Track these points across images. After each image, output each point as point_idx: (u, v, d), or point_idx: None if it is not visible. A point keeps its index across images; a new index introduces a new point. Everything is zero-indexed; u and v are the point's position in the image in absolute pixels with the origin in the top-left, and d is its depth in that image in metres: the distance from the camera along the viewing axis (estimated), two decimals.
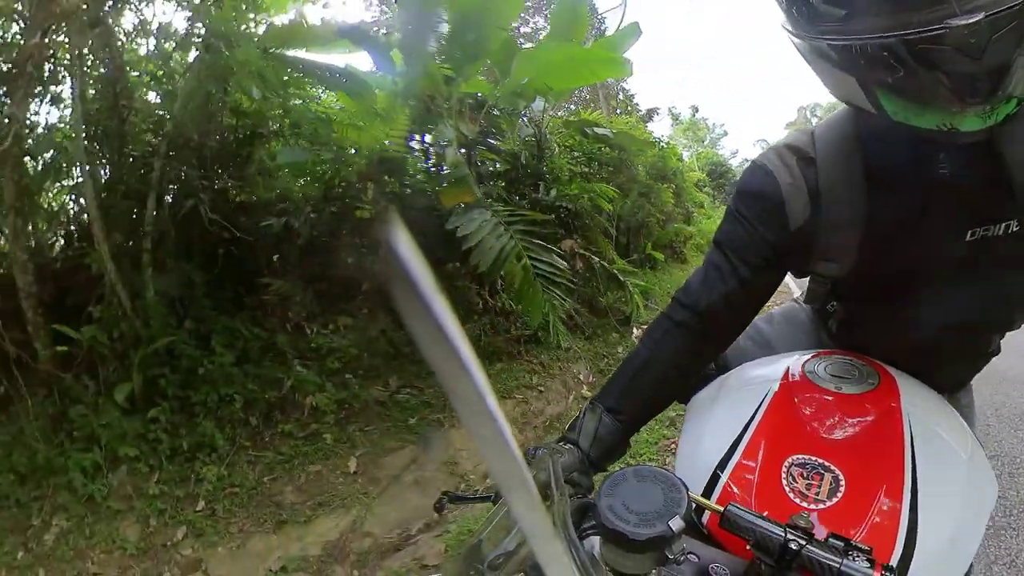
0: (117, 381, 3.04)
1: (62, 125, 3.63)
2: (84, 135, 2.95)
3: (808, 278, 0.82)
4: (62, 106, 3.61)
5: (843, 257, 0.71)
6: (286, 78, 3.59)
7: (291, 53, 3.57)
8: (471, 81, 3.64)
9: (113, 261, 3.03)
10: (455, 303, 3.59)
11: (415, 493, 2.54)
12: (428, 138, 3.82)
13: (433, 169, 3.70)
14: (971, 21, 0.44)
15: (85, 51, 3.11)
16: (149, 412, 2.91)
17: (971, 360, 0.88)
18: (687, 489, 0.48)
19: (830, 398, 0.68)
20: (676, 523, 0.45)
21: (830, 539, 0.46)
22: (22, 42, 3.22)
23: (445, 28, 3.15)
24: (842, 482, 0.56)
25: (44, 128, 3.51)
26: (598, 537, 0.49)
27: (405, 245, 0.17)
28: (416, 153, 3.87)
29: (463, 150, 3.58)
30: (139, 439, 2.87)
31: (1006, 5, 0.44)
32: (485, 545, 0.44)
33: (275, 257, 3.21)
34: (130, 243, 3.17)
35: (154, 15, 4.31)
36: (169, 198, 3.33)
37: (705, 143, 23.53)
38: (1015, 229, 0.63)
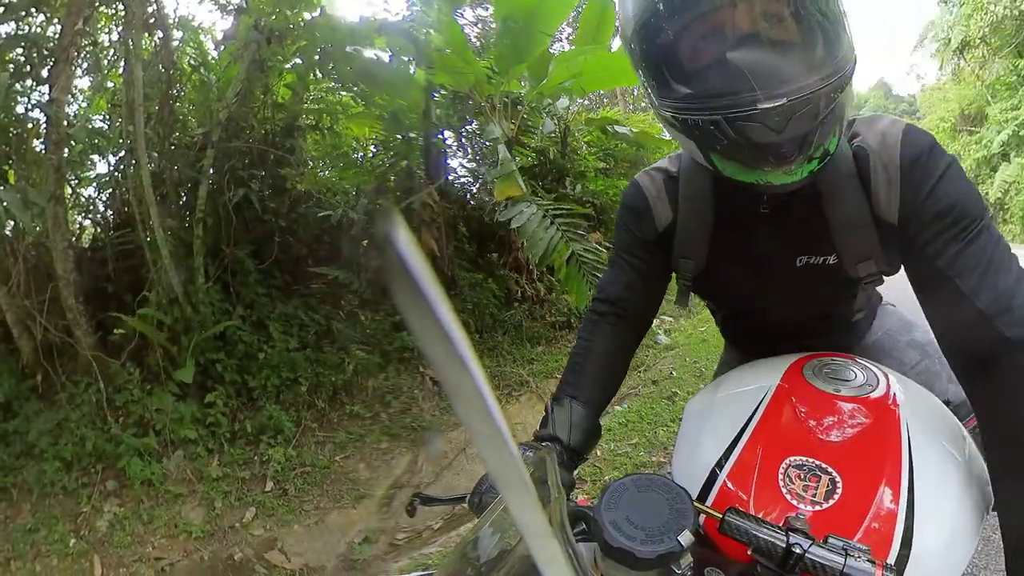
0: (167, 367, 3.02)
1: (96, 115, 3.60)
2: (143, 121, 2.93)
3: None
4: (99, 94, 3.59)
5: (697, 256, 0.85)
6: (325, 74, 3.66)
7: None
8: (511, 82, 3.78)
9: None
10: (497, 292, 3.71)
11: (480, 463, 2.63)
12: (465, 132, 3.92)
13: (472, 164, 3.82)
14: (775, 105, 0.57)
15: (139, 37, 3.09)
16: (205, 397, 2.90)
17: (844, 332, 1.00)
18: (691, 498, 0.47)
19: (828, 400, 0.68)
20: (685, 538, 0.43)
21: (829, 539, 0.46)
22: (59, 30, 3.19)
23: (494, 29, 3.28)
24: (839, 484, 0.57)
25: (77, 116, 3.47)
26: (592, 544, 0.48)
27: (405, 242, 0.16)
28: (453, 147, 3.98)
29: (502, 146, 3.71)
30: (196, 423, 2.86)
31: (802, 93, 0.57)
32: (481, 544, 0.43)
33: (327, 246, 3.25)
34: (180, 230, 3.15)
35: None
36: (213, 185, 3.34)
37: None
38: (832, 262, 0.77)
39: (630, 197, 0.89)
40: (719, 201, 0.81)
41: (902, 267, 0.80)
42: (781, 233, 0.77)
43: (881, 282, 0.83)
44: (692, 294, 0.96)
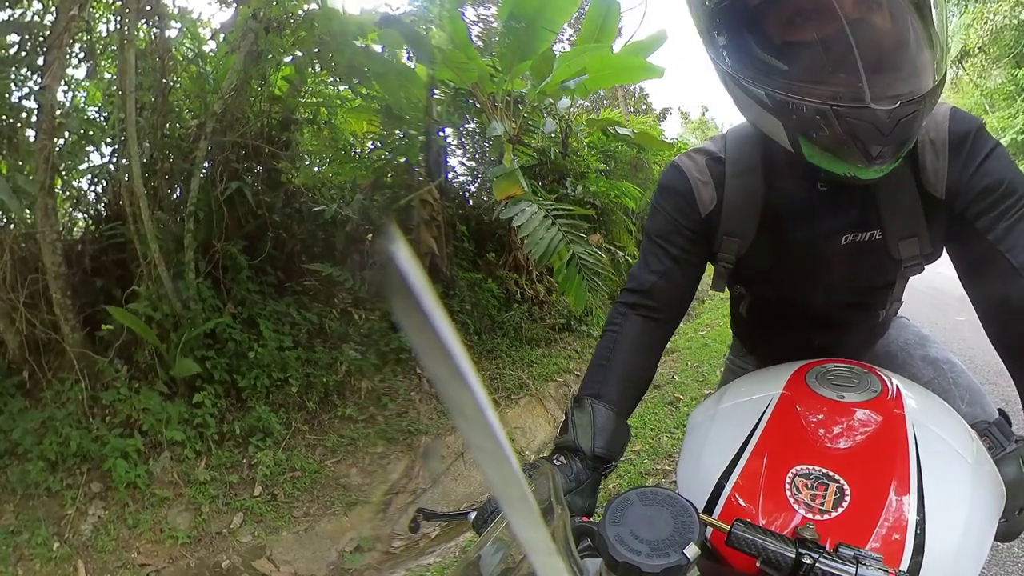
0: (155, 365, 2.94)
1: (91, 106, 3.52)
2: (136, 110, 2.85)
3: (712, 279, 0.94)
4: (91, 82, 3.51)
5: (743, 234, 0.82)
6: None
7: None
8: (513, 80, 3.71)
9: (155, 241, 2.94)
10: (496, 292, 3.63)
11: (477, 468, 2.56)
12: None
13: (472, 162, 3.75)
14: (886, 108, 0.56)
15: (135, 25, 3.02)
16: (193, 396, 2.81)
17: (866, 332, 0.98)
18: (696, 511, 0.46)
19: (833, 407, 0.67)
20: (691, 551, 0.43)
21: (839, 548, 0.45)
22: (55, 16, 3.11)
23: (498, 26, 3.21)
24: (847, 492, 0.56)
25: (71, 106, 3.38)
26: (597, 560, 0.47)
27: (404, 257, 0.16)
28: (452, 145, 3.91)
29: (505, 145, 3.64)
30: (183, 424, 2.77)
31: (914, 96, 0.56)
32: (484, 562, 0.42)
33: (321, 243, 3.17)
34: (171, 223, 3.07)
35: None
36: (206, 178, 3.25)
37: None
38: (877, 238, 0.76)
39: (671, 179, 0.85)
40: (769, 178, 0.79)
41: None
42: (832, 210, 0.77)
43: (921, 270, 0.82)
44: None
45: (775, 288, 0.92)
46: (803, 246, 0.80)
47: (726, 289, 0.99)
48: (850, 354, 0.91)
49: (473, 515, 0.66)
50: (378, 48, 3.48)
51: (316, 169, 3.48)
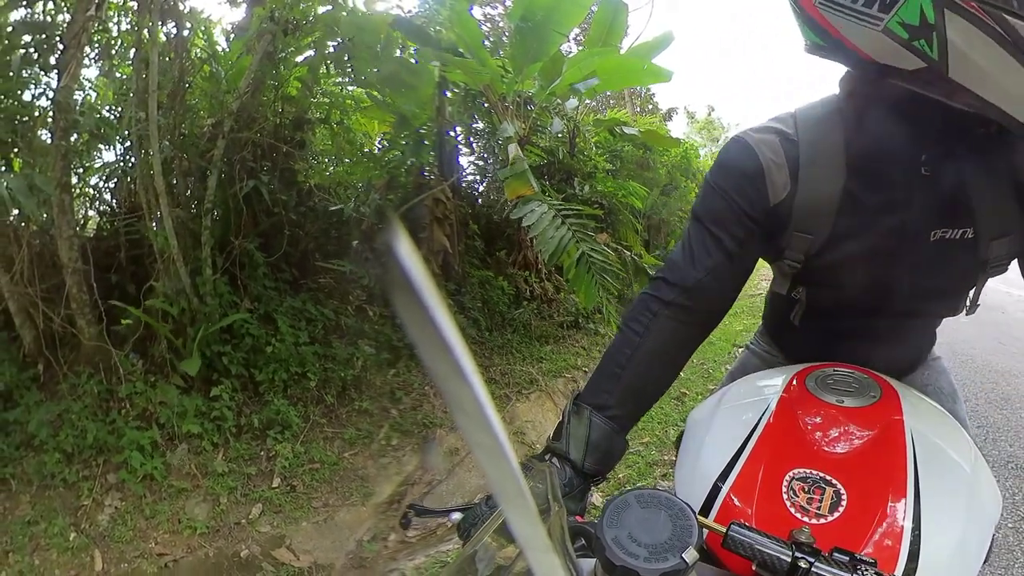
0: (171, 359, 2.97)
1: (103, 104, 3.55)
2: (157, 108, 2.89)
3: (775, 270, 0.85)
4: (103, 81, 3.55)
5: (818, 230, 0.72)
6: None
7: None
8: (524, 81, 3.78)
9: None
10: (506, 290, 3.69)
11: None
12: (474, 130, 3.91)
13: (481, 162, 3.81)
14: None
15: (156, 25, 3.06)
16: (211, 390, 2.85)
17: (917, 345, 0.94)
18: (695, 513, 0.46)
19: (832, 411, 0.67)
20: (690, 555, 0.42)
21: (835, 553, 0.46)
22: (71, 17, 3.15)
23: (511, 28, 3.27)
24: (844, 496, 0.56)
25: (85, 104, 3.42)
26: (592, 560, 0.47)
27: (406, 252, 0.16)
28: (461, 144, 3.96)
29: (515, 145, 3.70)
30: (201, 417, 2.81)
31: None
32: (479, 557, 0.43)
33: (335, 241, 3.22)
34: (188, 220, 3.11)
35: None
36: (223, 175, 3.29)
37: (720, 142, 22.83)
38: (969, 237, 0.70)
39: (736, 156, 0.73)
40: (852, 165, 0.71)
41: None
42: (925, 201, 0.69)
43: (1004, 271, 0.75)
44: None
45: (841, 291, 0.81)
46: (887, 243, 0.72)
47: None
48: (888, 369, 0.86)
49: (459, 516, 0.65)
50: (401, 52, 3.53)
51: (331, 169, 3.53)
